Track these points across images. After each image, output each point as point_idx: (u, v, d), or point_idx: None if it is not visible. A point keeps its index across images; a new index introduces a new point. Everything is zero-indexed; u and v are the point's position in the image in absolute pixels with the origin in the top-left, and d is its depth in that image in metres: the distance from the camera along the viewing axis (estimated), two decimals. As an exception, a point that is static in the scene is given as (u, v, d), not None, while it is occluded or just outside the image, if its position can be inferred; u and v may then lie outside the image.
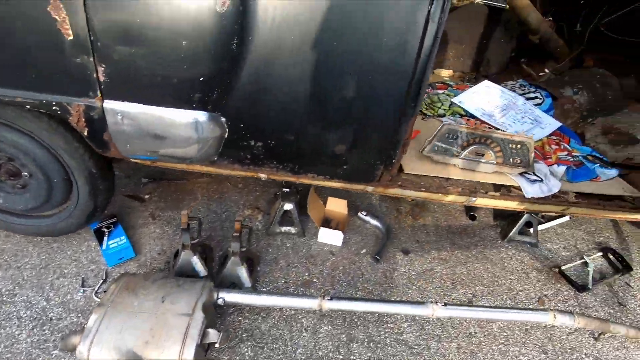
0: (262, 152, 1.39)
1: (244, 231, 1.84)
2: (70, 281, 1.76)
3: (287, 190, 2.11)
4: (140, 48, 1.09)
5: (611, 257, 2.47)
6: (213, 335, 1.33)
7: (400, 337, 1.78)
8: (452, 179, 1.67)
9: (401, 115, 1.29)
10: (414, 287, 2.05)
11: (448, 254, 2.30)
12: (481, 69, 3.41)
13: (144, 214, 2.19)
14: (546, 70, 2.84)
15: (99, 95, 1.17)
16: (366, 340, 1.74)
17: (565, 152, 2.01)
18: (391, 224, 2.44)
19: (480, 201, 1.66)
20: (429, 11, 1.11)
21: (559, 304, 2.10)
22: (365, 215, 2.40)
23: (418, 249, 2.30)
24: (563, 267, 2.32)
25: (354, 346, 1.71)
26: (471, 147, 1.66)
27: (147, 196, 2.31)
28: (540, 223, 2.53)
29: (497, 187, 1.71)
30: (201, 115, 1.26)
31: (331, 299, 1.60)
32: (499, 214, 2.63)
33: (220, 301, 1.58)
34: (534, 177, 1.73)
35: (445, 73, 3.43)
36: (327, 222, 2.29)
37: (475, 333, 1.86)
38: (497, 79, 3.30)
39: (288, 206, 2.12)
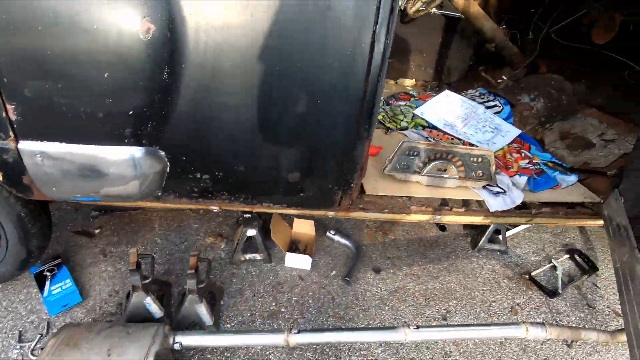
0: (210, 185, 1.28)
1: (202, 265, 1.72)
2: (5, 337, 1.57)
3: (249, 215, 2.00)
4: (55, 82, 0.97)
5: (578, 258, 2.51)
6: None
7: (374, 365, 1.70)
8: (416, 197, 1.62)
9: (355, 139, 1.22)
10: (387, 308, 1.98)
11: (420, 268, 2.26)
12: (443, 77, 3.45)
13: (93, 251, 2.01)
14: (504, 77, 2.89)
15: (12, 136, 1.03)
16: (338, 371, 1.65)
17: (527, 160, 2.01)
18: (361, 242, 2.37)
19: (445, 218, 1.61)
20: (374, 32, 1.05)
21: (531, 312, 2.09)
22: (334, 235, 2.32)
23: (389, 266, 2.24)
24: (533, 273, 2.32)
25: (326, 380, 1.62)
26: (433, 163, 1.62)
27: (97, 231, 2.13)
28: (508, 229, 2.54)
29: (463, 202, 1.68)
30: (136, 151, 1.14)
31: (298, 332, 1.50)
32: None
33: (177, 346, 1.45)
34: (497, 189, 1.71)
35: (409, 82, 3.45)
36: (294, 245, 2.19)
37: (451, 352, 1.81)
38: (458, 87, 3.34)
39: (251, 232, 2.01)
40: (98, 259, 1.97)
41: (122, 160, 1.15)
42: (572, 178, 1.90)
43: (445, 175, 1.65)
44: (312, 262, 2.14)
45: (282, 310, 1.88)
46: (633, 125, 2.01)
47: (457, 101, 2.41)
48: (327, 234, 2.33)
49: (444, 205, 1.65)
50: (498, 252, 2.47)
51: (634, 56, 1.97)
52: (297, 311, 1.88)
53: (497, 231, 2.44)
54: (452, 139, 2.16)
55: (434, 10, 3.02)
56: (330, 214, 1.46)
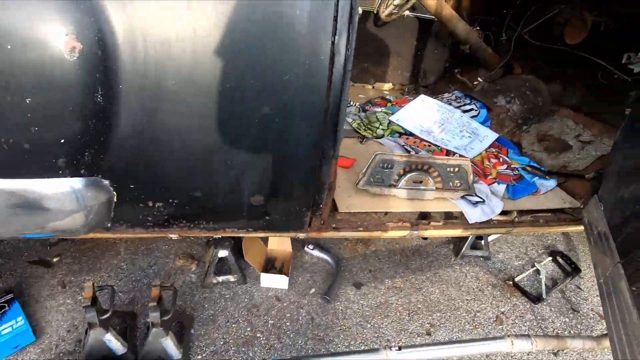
0: (165, 212, 1.17)
1: (167, 294, 1.60)
2: (-55, 388, 1.41)
3: (220, 235, 1.88)
4: (-33, 111, 0.84)
5: (560, 260, 2.48)
6: None
7: (356, 391, 1.61)
8: (392, 212, 1.54)
9: (321, 158, 1.13)
10: (369, 326, 1.89)
11: (402, 280, 2.18)
12: (419, 80, 3.40)
13: (51, 283, 1.86)
14: (479, 79, 2.85)
15: None
16: (318, 401, 1.55)
17: (505, 165, 1.96)
18: (341, 255, 2.28)
19: (423, 233, 1.54)
20: (332, 43, 0.96)
21: (516, 321, 2.04)
22: (313, 250, 2.22)
23: (371, 280, 2.15)
24: (517, 279, 2.28)
25: (305, 411, 1.52)
26: (408, 175, 1.54)
27: (56, 259, 1.98)
28: (490, 234, 2.50)
29: (441, 215, 1.61)
30: (75, 182, 1.02)
31: (273, 364, 1.40)
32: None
33: (139, 387, 1.33)
34: (476, 199, 1.65)
35: (386, 87, 3.39)
36: (270, 263, 2.08)
37: (436, 369, 1.74)
38: (435, 89, 3.30)
39: (223, 253, 1.89)
40: (56, 291, 1.82)
41: (60, 193, 1.03)
42: (551, 182, 1.86)
43: (422, 187, 1.57)
44: (290, 280, 2.04)
45: (258, 335, 1.77)
46: (608, 126, 1.98)
47: (433, 106, 2.36)
48: (305, 249, 2.24)
49: (422, 218, 1.57)
50: (481, 258, 2.42)
51: (607, 56, 1.95)
52: (273, 336, 1.77)
53: (479, 237, 2.40)
54: (429, 145, 2.10)
55: (407, 13, 2.97)
56: (301, 235, 1.37)
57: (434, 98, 2.52)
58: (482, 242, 2.41)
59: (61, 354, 1.57)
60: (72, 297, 1.80)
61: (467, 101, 2.43)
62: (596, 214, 1.42)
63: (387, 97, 2.97)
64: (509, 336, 1.63)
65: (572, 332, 2.04)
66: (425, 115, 2.30)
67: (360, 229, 1.43)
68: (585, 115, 2.11)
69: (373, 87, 3.36)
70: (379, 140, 2.11)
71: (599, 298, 2.30)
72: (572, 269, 2.41)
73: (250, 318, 1.84)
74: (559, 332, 2.02)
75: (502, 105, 2.37)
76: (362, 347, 1.77)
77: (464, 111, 2.35)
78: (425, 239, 2.49)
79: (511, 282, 2.26)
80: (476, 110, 2.35)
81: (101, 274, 1.94)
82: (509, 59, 2.65)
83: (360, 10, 0.96)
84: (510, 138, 2.30)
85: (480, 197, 1.66)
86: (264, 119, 1.03)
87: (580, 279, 2.40)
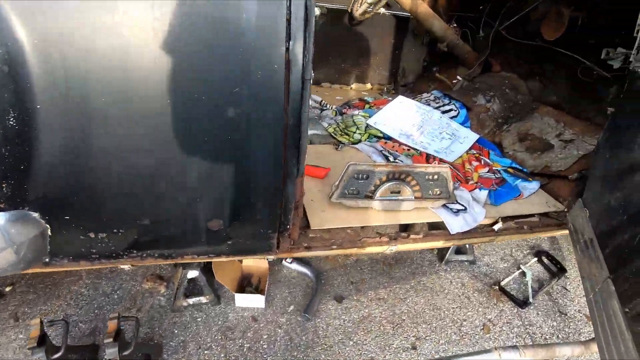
0: (111, 243, 1.04)
1: (127, 325, 1.46)
2: None
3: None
4: None
5: (545, 260, 2.44)
6: None
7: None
8: (370, 226, 1.44)
9: (284, 176, 1.02)
10: (351, 343, 1.79)
11: (385, 291, 2.09)
12: (398, 79, 3.32)
13: (2, 316, 1.70)
14: (458, 77, 2.78)
15: None
16: None
17: (486, 168, 1.89)
18: (321, 268, 2.18)
19: (403, 247, 1.44)
20: (287, 49, 0.85)
21: (503, 328, 1.97)
22: (291, 263, 2.11)
23: (353, 292, 2.05)
24: (503, 283, 2.22)
25: None
26: (385, 186, 1.45)
27: (8, 289, 1.81)
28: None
29: (421, 226, 1.52)
30: (-3, 217, 0.88)
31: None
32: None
33: None
34: (458, 207, 1.56)
35: (364, 87, 3.29)
36: (246, 280, 1.96)
37: (422, 387, 1.65)
38: (414, 88, 3.22)
39: (192, 274, 1.76)
40: (7, 325, 1.66)
41: (-21, 230, 0.88)
42: (534, 185, 1.79)
43: (400, 198, 1.48)
44: (267, 298, 1.92)
45: (233, 361, 1.65)
46: (590, 123, 1.93)
47: (412, 107, 2.27)
48: (284, 262, 2.12)
49: (402, 231, 1.48)
50: (466, 263, 2.35)
51: (586, 52, 1.89)
52: (249, 361, 1.66)
53: (463, 240, 2.33)
54: (408, 149, 2.01)
55: (382, 10, 2.88)
56: (270, 257, 1.25)
57: (413, 98, 2.44)
58: (467, 245, 2.34)
59: (11, 398, 1.42)
60: (25, 331, 1.64)
61: (446, 101, 2.36)
62: (581, 220, 1.35)
63: (366, 98, 2.88)
64: (496, 349, 1.56)
65: (560, 336, 1.98)
66: (404, 118, 2.21)
67: (334, 246, 1.33)
68: (566, 113, 2.05)
69: (351, 88, 3.27)
70: (356, 146, 2.01)
71: (585, 299, 2.27)
72: (557, 269, 2.36)
73: (225, 342, 1.71)
74: (547, 337, 1.96)
75: (482, 105, 2.30)
76: (345, 368, 1.67)
77: (444, 112, 2.27)
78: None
79: (497, 287, 2.20)
80: (455, 111, 2.27)
81: (59, 303, 1.78)
82: (487, 56, 2.59)
83: (317, 11, 0.84)
84: (491, 138, 2.23)
85: (462, 205, 1.58)
86: (214, 137, 0.91)
87: (566, 279, 2.35)
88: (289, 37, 0.83)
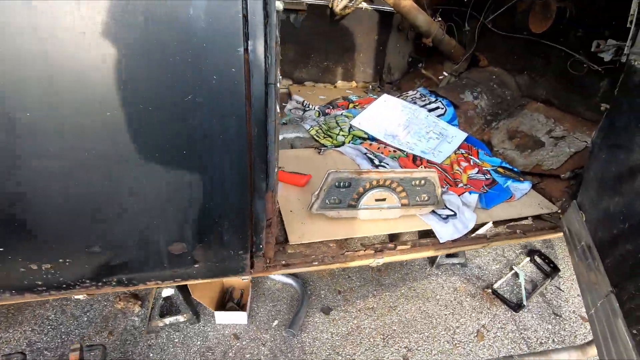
0: (58, 274, 0.92)
1: (92, 356, 1.34)
2: None
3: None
4: None
5: (538, 260, 2.37)
6: None
7: None
8: (352, 239, 1.33)
9: (251, 193, 0.90)
10: (340, 359, 1.69)
11: (375, 300, 2.00)
12: (384, 76, 3.22)
13: (-43, 347, 1.56)
14: (445, 73, 2.70)
15: None
16: None
17: (476, 169, 1.80)
18: (307, 277, 2.07)
19: (390, 258, 1.35)
20: (245, 49, 0.73)
21: (498, 334, 1.90)
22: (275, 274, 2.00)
23: (341, 303, 1.95)
24: (495, 286, 2.15)
25: None
26: (369, 193, 1.34)
27: (-35, 316, 1.67)
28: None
29: (409, 235, 1.42)
30: None
31: None
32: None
33: None
34: (447, 212, 1.47)
35: (349, 85, 3.19)
36: (227, 294, 1.85)
37: (416, 403, 1.57)
38: (400, 85, 3.13)
39: (167, 292, 1.64)
40: (-37, 358, 1.52)
41: None
42: (526, 185, 1.71)
43: (385, 206, 1.38)
44: (250, 313, 1.81)
45: (212, 386, 1.54)
46: (581, 119, 1.85)
47: (397, 106, 2.17)
48: (267, 273, 2.01)
49: (390, 239, 1.38)
50: (458, 266, 2.28)
51: (575, 45, 1.81)
52: (230, 384, 1.55)
53: (454, 243, 2.25)
54: (394, 151, 1.91)
55: (364, 5, 2.77)
56: (244, 278, 1.14)
57: (399, 97, 2.35)
58: (458, 247, 2.26)
59: None
60: (-17, 363, 1.50)
61: (433, 99, 2.26)
62: (577, 225, 1.27)
63: (350, 97, 2.78)
64: (491, 361, 1.48)
65: (555, 340, 1.92)
66: (389, 117, 2.11)
67: (315, 262, 1.22)
68: (556, 108, 1.98)
69: (335, 87, 3.16)
70: (340, 149, 1.90)
71: (580, 298, 2.21)
72: (551, 269, 2.30)
73: (204, 364, 1.60)
74: (543, 341, 1.90)
75: (470, 102, 2.22)
76: (333, 387, 1.58)
77: (430, 110, 2.18)
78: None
79: (490, 290, 2.12)
80: (442, 109, 2.18)
81: (22, 329, 1.64)
82: (473, 51, 2.50)
83: (280, 5, 0.72)
84: (479, 137, 2.15)
85: (451, 210, 1.48)
86: (166, 152, 0.79)
87: (560, 278, 2.29)
88: (247, 36, 0.72)
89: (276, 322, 1.81)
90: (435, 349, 1.79)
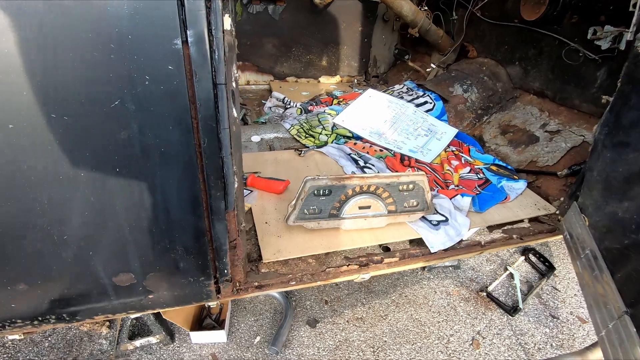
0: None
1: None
2: None
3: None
4: None
5: (533, 258, 2.28)
6: None
7: None
8: (334, 252, 1.20)
9: (207, 214, 0.76)
10: (327, 376, 1.57)
11: (364, 309, 1.88)
12: (369, 70, 3.08)
13: None
14: (432, 65, 2.57)
15: None
16: None
17: (467, 168, 1.68)
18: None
19: (376, 272, 1.22)
20: (185, 42, 0.59)
21: (494, 341, 1.80)
22: (256, 285, 1.86)
23: (328, 314, 1.83)
24: (490, 288, 2.05)
25: None
26: (352, 201, 1.21)
27: None
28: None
29: (399, 245, 1.30)
30: None
31: None
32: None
33: None
34: (438, 217, 1.35)
35: (333, 80, 3.04)
36: (204, 311, 1.71)
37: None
38: (387, 79, 3.00)
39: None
40: None
41: None
42: (521, 185, 1.60)
43: (370, 214, 1.25)
44: (230, 329, 1.68)
45: (188, 414, 1.41)
46: (577, 112, 1.74)
47: (383, 101, 2.04)
48: (248, 285, 1.87)
49: (373, 253, 1.25)
50: (450, 268, 2.17)
51: (570, 32, 1.70)
52: (207, 412, 1.42)
53: (446, 244, 2.14)
54: (380, 150, 1.78)
55: (346, -6, 2.62)
56: (213, 303, 1.00)
57: (384, 91, 2.21)
58: (450, 249, 2.15)
59: None
60: None
61: (420, 93, 2.13)
62: (580, 229, 1.16)
63: (334, 92, 2.63)
64: (489, 375, 1.38)
65: (553, 344, 1.83)
66: (374, 114, 1.98)
67: (293, 282, 1.09)
68: (551, 100, 1.86)
69: (319, 82, 3.01)
70: (322, 149, 1.77)
71: (576, 298, 2.14)
72: (546, 268, 2.22)
73: (178, 391, 1.47)
74: (540, 346, 1.80)
75: (459, 95, 2.09)
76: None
77: (418, 105, 2.05)
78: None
79: (485, 293, 2.02)
80: (431, 103, 2.05)
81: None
82: (462, 41, 2.38)
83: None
84: (470, 132, 2.03)
85: (442, 215, 1.36)
86: (96, 171, 0.65)
87: (556, 277, 2.21)
88: (184, 25, 0.58)
89: (258, 338, 1.68)
90: (429, 361, 1.69)
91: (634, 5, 1.17)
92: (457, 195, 1.43)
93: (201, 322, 1.67)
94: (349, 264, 1.16)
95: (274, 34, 2.70)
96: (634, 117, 0.95)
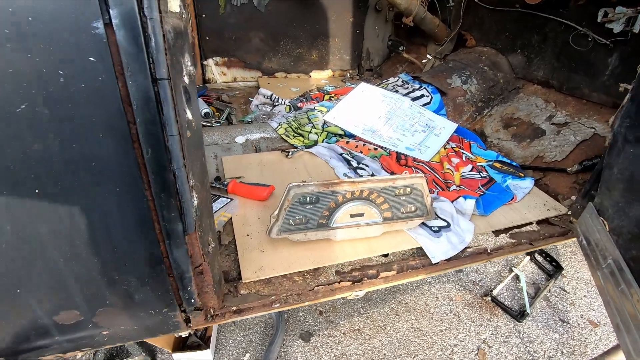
0: None
1: None
2: None
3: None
4: None
5: (539, 258, 2.16)
6: None
7: None
8: (324, 267, 1.07)
9: (162, 238, 0.63)
10: (322, 396, 1.45)
11: (362, 319, 1.75)
12: (362, 63, 2.94)
13: None
14: (429, 56, 2.43)
15: None
16: None
17: (469, 166, 1.55)
18: (283, 297, 1.81)
19: (372, 288, 1.09)
20: (107, 24, 0.45)
21: (501, 350, 1.68)
22: (245, 297, 1.73)
23: (322, 326, 1.71)
24: (495, 292, 1.93)
25: None
26: (343, 209, 1.08)
27: None
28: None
29: (397, 256, 1.17)
30: None
31: None
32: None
33: None
34: (439, 223, 1.23)
35: (324, 75, 2.90)
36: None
37: None
38: (382, 72, 2.86)
39: (111, 334, 1.35)
40: None
41: None
42: (528, 183, 1.47)
43: (363, 222, 1.12)
44: (217, 346, 1.56)
45: None
46: (585, 102, 1.61)
47: (377, 96, 1.90)
48: (237, 297, 1.74)
49: (367, 266, 1.12)
50: (452, 271, 2.05)
51: (577, 16, 1.56)
52: None
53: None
54: (375, 149, 1.65)
55: (336, -17, 2.47)
56: (182, 333, 0.87)
57: (377, 85, 2.07)
58: (452, 251, 2.03)
59: None
60: None
61: (417, 85, 2.00)
62: (599, 234, 1.03)
63: (325, 87, 2.49)
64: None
65: (564, 351, 1.71)
66: (368, 109, 1.84)
67: (277, 304, 0.96)
68: (557, 90, 1.73)
69: (310, 77, 2.87)
70: (312, 150, 1.63)
71: (586, 300, 2.02)
72: (553, 268, 2.10)
73: (159, 419, 1.34)
74: (551, 355, 1.69)
75: (458, 87, 1.96)
76: None
77: (414, 99, 1.91)
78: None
79: (489, 298, 1.90)
80: (428, 96, 1.92)
81: None
82: (459, 29, 2.24)
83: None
84: (471, 126, 1.90)
85: (444, 220, 1.24)
86: (12, 193, 0.51)
87: (564, 277, 2.09)
88: (106, 3, 0.44)
89: (248, 355, 1.56)
90: (432, 374, 1.57)
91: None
92: (459, 197, 1.30)
93: (185, 340, 1.55)
94: (341, 281, 1.03)
95: (261, 27, 2.55)
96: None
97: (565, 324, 1.83)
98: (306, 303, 1.00)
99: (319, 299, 1.01)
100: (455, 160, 1.58)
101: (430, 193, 1.17)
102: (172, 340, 1.48)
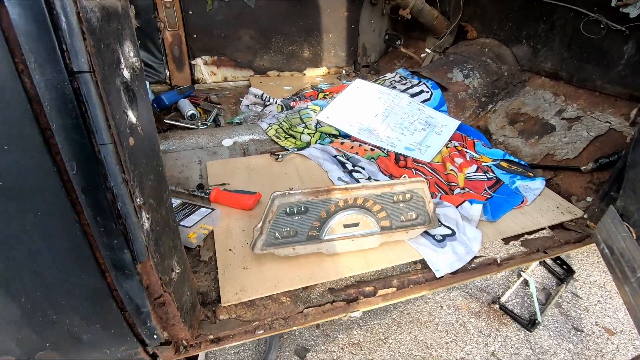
0: None
1: None
2: None
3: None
4: None
5: (549, 261, 2.05)
6: None
7: None
8: (314, 286, 0.96)
9: (106, 272, 0.51)
10: (319, 420, 1.34)
11: (361, 332, 1.64)
12: (358, 59, 2.82)
13: None
14: (427, 50, 2.31)
15: None
16: None
17: (474, 167, 1.43)
18: (277, 310, 1.70)
19: (369, 307, 0.97)
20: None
21: (512, 362, 1.57)
22: (236, 311, 1.62)
23: (319, 340, 1.59)
24: (503, 299, 1.81)
25: None
26: (335, 219, 0.97)
27: None
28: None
29: (396, 269, 1.05)
30: None
31: None
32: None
33: None
34: (443, 231, 1.11)
35: (319, 72, 2.78)
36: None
37: None
38: (379, 68, 2.74)
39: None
40: None
41: None
42: (538, 184, 1.35)
43: (358, 233, 1.00)
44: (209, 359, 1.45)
45: None
46: (598, 94, 1.49)
47: (373, 93, 1.78)
48: (227, 311, 1.63)
49: (364, 282, 1.01)
50: (457, 277, 1.93)
51: (588, 0, 1.44)
52: None
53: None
54: (371, 150, 1.53)
55: (328, -25, 2.35)
56: (152, 368, 0.75)
57: (374, 82, 1.96)
58: (456, 255, 1.91)
59: None
60: None
61: (415, 81, 1.88)
62: (624, 242, 0.91)
63: (320, 85, 2.38)
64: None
65: (580, 363, 1.59)
66: (364, 107, 1.73)
67: (261, 330, 0.84)
68: (566, 82, 1.61)
69: (304, 75, 2.75)
70: (304, 152, 1.52)
71: (600, 305, 1.90)
72: (564, 272, 1.98)
73: None
74: (566, 367, 1.57)
75: (460, 82, 1.84)
76: None
77: (413, 95, 1.79)
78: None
79: (497, 305, 1.78)
80: (428, 92, 1.80)
81: None
82: (459, 21, 2.12)
83: None
84: (474, 123, 1.78)
85: (448, 228, 1.12)
86: None
87: (575, 281, 1.97)
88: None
89: (238, 375, 1.45)
90: (438, 392, 1.45)
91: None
92: (464, 202, 1.18)
93: (171, 360, 1.43)
94: (334, 300, 0.92)
95: (251, 23, 2.43)
96: None
97: (579, 333, 1.71)
98: (294, 327, 0.88)
99: (308, 323, 0.90)
100: (459, 160, 1.46)
101: (432, 198, 1.06)
102: None
